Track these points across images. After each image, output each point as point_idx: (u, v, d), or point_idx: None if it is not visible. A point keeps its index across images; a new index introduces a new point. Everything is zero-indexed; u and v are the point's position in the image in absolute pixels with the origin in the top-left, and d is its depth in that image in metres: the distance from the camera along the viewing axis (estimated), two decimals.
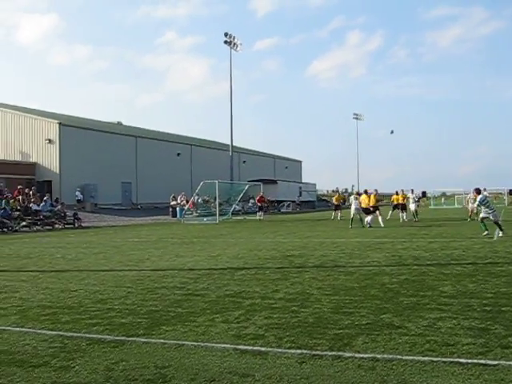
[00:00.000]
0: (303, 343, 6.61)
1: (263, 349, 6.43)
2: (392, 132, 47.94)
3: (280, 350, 6.35)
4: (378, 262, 14.71)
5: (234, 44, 66.34)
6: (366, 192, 33.64)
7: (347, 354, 6.11)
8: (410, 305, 8.72)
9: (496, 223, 22.75)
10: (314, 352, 6.24)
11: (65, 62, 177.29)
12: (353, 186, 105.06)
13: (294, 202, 75.75)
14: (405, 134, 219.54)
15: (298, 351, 6.29)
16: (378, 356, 6.02)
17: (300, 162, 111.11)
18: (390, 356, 6.02)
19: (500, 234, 21.78)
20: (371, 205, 31.15)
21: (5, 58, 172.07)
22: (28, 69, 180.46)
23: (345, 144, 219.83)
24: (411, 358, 5.95)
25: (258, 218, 46.68)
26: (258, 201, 50.29)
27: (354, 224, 30.34)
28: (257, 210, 50.48)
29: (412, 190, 40.50)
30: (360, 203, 31.47)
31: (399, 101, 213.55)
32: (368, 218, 30.57)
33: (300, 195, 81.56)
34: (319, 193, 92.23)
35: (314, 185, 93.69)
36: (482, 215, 23.47)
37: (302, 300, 9.37)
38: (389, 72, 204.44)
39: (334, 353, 6.19)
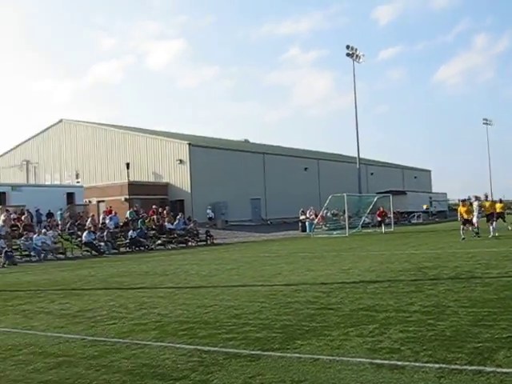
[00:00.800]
0: (441, 357, 6.44)
1: (400, 363, 6.33)
2: None
3: (417, 365, 6.22)
4: None
5: (357, 56, 65.92)
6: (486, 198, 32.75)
7: (488, 369, 5.89)
8: None
9: None
10: (452, 366, 6.07)
11: (193, 84, 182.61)
12: (486, 194, 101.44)
13: (425, 212, 73.85)
14: None
15: (436, 365, 6.13)
16: None
17: (429, 171, 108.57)
18: None
19: None
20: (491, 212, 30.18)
21: (137, 84, 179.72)
22: (159, 93, 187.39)
23: (475, 151, 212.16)
24: None
25: (380, 231, 45.37)
26: (378, 215, 48.69)
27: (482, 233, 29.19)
28: (377, 224, 48.65)
29: None
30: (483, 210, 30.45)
31: None
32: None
33: (430, 205, 79.52)
34: (450, 202, 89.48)
35: (445, 194, 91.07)
36: None
37: (437, 313, 9.14)
38: None
39: (474, 367, 5.98)
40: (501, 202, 34.30)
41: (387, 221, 48.65)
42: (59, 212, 42.33)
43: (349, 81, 63.94)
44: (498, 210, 31.18)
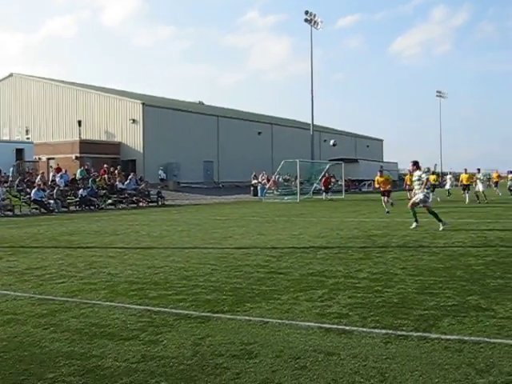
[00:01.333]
0: (388, 323, 6.58)
1: (347, 328, 6.44)
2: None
3: (365, 330, 6.35)
4: (463, 242, 14.41)
5: (315, 22, 65.77)
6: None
7: (433, 336, 6.05)
8: (497, 287, 8.53)
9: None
10: (399, 332, 6.20)
11: (148, 44, 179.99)
12: (435, 165, 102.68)
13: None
14: (491, 113, 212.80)
15: (383, 331, 6.26)
16: (465, 338, 5.93)
17: (381, 140, 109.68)
18: (478, 338, 5.92)
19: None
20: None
21: (91, 40, 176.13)
22: (113, 50, 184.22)
23: (427, 123, 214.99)
24: (499, 341, 5.83)
25: (324, 198, 44.32)
26: (323, 182, 46.33)
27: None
28: (323, 191, 46.14)
29: (479, 170, 38.79)
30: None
31: (485, 78, 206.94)
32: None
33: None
34: (401, 172, 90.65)
35: (396, 164, 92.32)
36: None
37: (385, 280, 9.30)
38: (474, 47, 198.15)
39: (419, 334, 6.13)
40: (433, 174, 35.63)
41: (332, 188, 47.65)
42: (11, 168, 41.56)
43: (307, 47, 63.82)
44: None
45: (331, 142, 17.35)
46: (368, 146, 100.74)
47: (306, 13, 64.85)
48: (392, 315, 6.94)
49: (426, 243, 14.37)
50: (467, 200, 34.89)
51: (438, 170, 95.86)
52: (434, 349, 5.63)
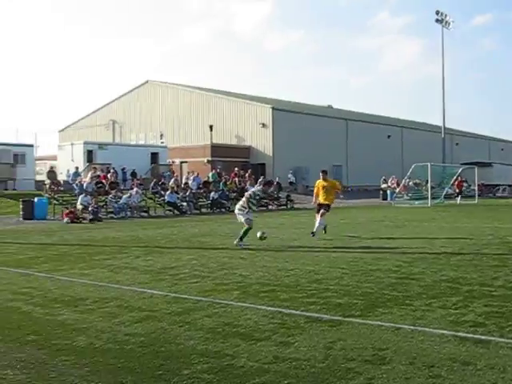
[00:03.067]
0: None
1: (484, 337, 6.23)
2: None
3: (502, 340, 6.11)
4: None
5: (446, 22, 64.00)
6: None
7: None
8: None
9: None
10: None
11: (278, 48, 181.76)
12: None
13: (510, 185, 71.63)
14: None
15: None
16: None
17: None
18: None
19: None
20: None
21: (223, 47, 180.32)
22: (244, 56, 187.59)
23: None
24: None
25: (456, 202, 44.05)
26: (457, 186, 46.73)
27: None
28: (455, 195, 46.85)
29: None
30: None
31: None
32: None
33: None
34: None
35: None
36: None
37: None
38: None
39: None
40: None
41: (463, 192, 46.78)
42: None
43: (439, 47, 61.97)
44: None
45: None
46: (502, 150, 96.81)
47: (437, 13, 63.28)
48: None
49: None
50: None
51: None
52: None
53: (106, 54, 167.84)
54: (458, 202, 43.07)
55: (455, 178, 48.59)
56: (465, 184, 53.54)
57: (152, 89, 68.24)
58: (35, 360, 5.72)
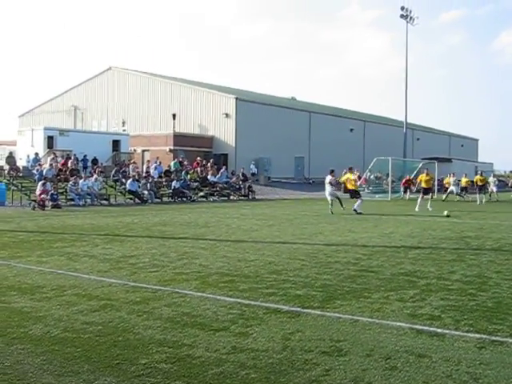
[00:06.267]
0: (482, 328, 6.42)
1: (440, 330, 6.33)
2: None
3: (457, 333, 6.21)
4: None
5: (411, 18, 64.42)
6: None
7: None
8: None
9: None
10: (493, 338, 6.05)
11: (245, 38, 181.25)
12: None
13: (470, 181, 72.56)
14: None
15: (477, 335, 6.12)
16: None
17: (476, 140, 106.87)
18: None
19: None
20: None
21: (190, 35, 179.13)
22: (210, 45, 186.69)
23: None
24: None
25: (403, 198, 43.59)
26: (404, 183, 45.41)
27: None
28: (403, 191, 45.49)
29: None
30: None
31: None
32: None
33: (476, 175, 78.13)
34: (496, 173, 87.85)
35: (491, 164, 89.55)
36: None
37: (479, 283, 9.06)
38: None
39: None
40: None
41: (413, 189, 46.39)
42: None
43: (405, 42, 62.22)
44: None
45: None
46: (462, 146, 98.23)
47: (402, 8, 63.67)
48: (486, 320, 6.76)
49: None
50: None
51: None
52: None
53: (69, 39, 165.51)
54: (407, 197, 43.20)
55: (415, 173, 48.93)
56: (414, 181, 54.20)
57: (115, 75, 67.44)
58: None
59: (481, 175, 39.93)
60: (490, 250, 13.40)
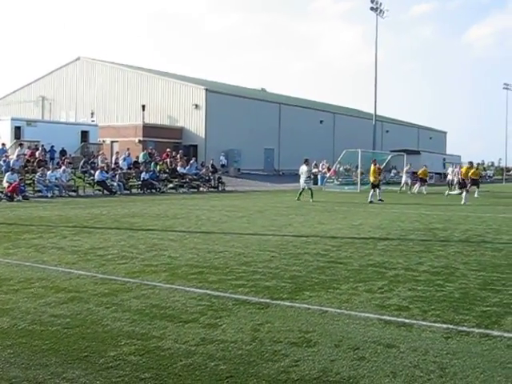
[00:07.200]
0: (449, 318, 6.48)
1: (407, 321, 6.38)
2: None
3: (425, 324, 6.27)
4: None
5: (381, 11, 64.70)
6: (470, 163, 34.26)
7: (495, 333, 5.93)
8: None
9: None
10: (460, 328, 6.11)
11: (217, 30, 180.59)
12: (500, 159, 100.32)
13: (438, 174, 73.31)
14: None
15: (444, 326, 6.18)
16: None
17: (445, 133, 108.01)
18: None
19: None
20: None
21: (160, 26, 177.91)
22: (181, 36, 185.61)
23: (493, 116, 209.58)
24: None
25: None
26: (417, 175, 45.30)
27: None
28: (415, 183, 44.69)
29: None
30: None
31: None
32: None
33: (444, 167, 78.97)
34: (464, 165, 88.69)
35: (459, 157, 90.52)
36: None
37: (446, 274, 9.16)
38: None
39: (481, 330, 6.02)
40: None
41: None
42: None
43: (379, 35, 62.60)
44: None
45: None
46: (431, 138, 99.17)
47: (372, 1, 63.88)
48: (453, 310, 6.83)
49: (489, 238, 14.08)
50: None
51: (503, 164, 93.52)
52: (497, 346, 5.53)
53: (37, 28, 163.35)
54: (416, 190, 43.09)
55: (384, 165, 49.10)
56: (393, 171, 54.54)
57: (84, 65, 66.78)
58: None
59: (476, 168, 37.92)
60: (458, 241, 13.55)
